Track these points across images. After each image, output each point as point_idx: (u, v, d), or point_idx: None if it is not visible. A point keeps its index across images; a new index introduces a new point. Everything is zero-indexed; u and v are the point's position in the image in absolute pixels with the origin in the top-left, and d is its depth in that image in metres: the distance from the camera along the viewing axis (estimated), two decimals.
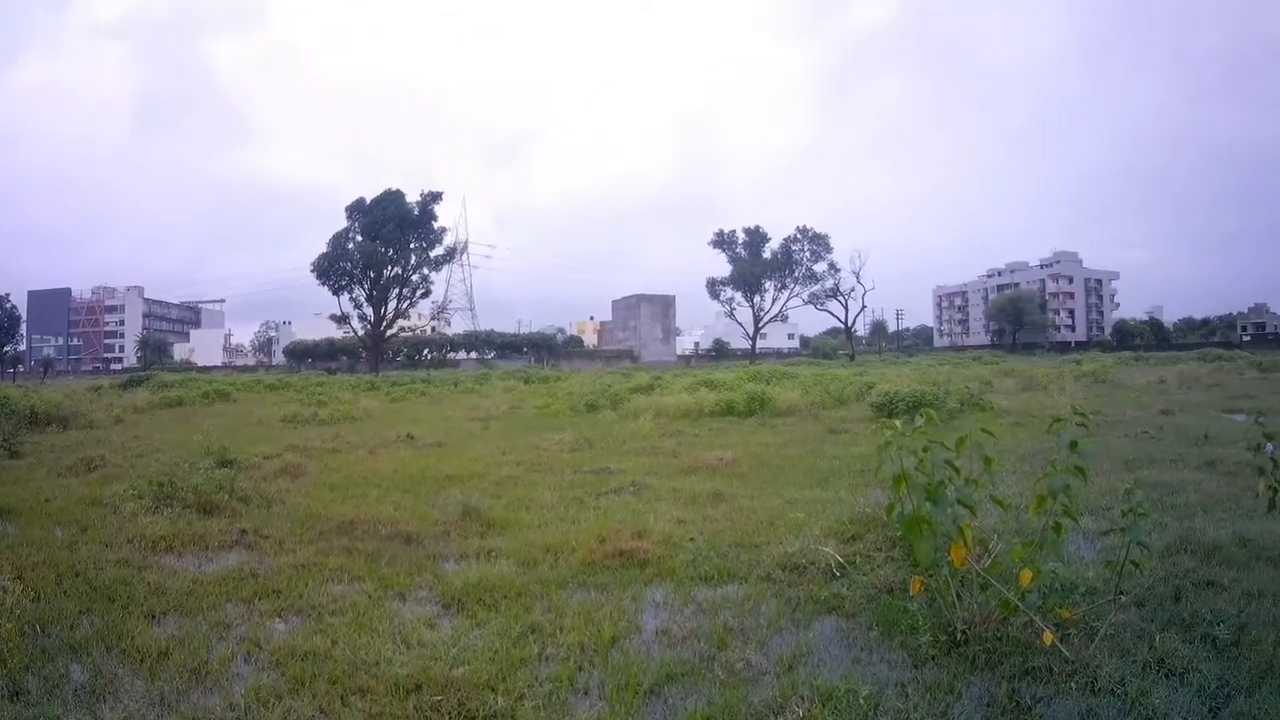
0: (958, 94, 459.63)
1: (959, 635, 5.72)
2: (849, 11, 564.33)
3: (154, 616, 6.86)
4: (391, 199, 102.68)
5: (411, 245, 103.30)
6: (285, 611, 7.03)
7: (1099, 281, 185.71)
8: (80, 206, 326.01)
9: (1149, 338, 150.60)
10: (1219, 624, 6.02)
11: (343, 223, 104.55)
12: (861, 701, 4.93)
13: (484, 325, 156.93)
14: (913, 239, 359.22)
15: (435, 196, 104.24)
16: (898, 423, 5.83)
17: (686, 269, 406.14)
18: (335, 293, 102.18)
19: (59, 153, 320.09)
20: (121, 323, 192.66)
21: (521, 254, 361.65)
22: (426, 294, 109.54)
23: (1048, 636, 5.25)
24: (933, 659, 5.60)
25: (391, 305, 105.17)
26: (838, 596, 6.97)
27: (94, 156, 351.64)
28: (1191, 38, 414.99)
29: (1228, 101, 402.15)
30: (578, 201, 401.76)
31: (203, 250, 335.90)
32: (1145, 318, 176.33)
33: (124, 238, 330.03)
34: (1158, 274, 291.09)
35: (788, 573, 7.71)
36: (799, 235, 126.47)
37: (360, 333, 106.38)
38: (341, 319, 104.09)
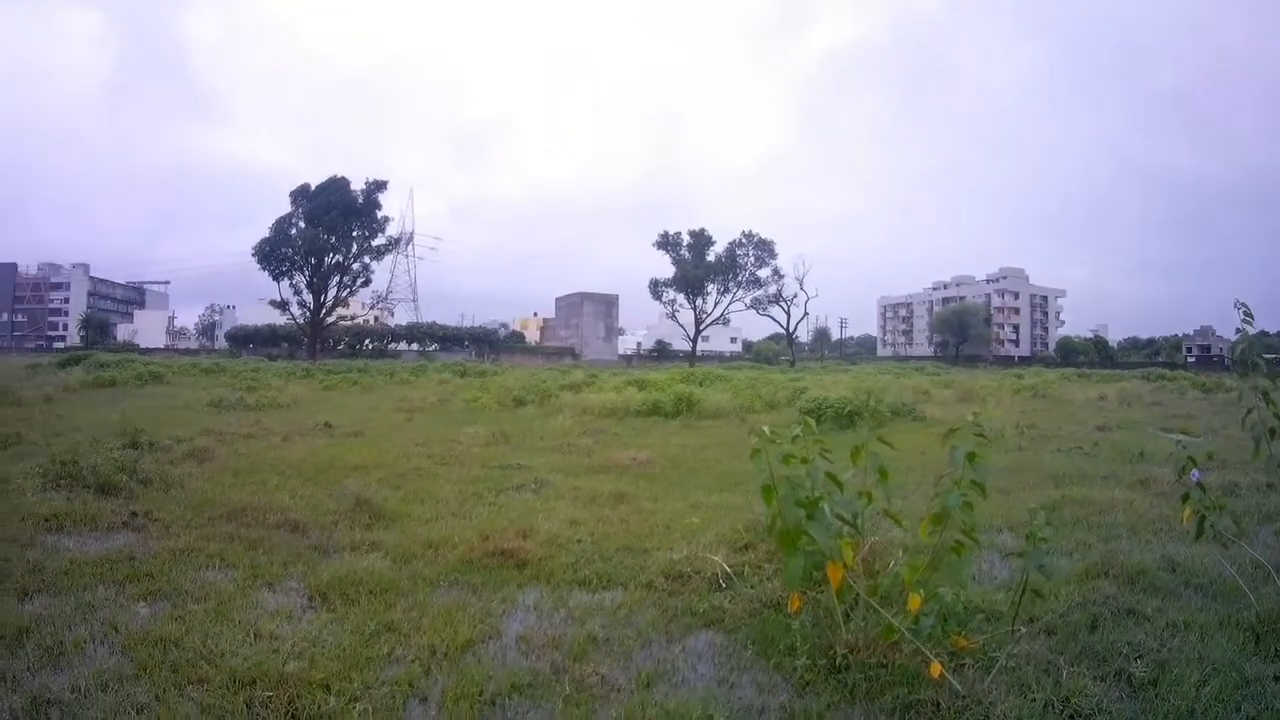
0: (917, 113, 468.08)
1: (839, 660, 5.23)
2: (821, 29, 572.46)
3: (26, 594, 6.82)
4: (336, 186, 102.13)
5: (354, 233, 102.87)
6: (152, 595, 6.85)
7: (1044, 298, 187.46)
8: (29, 181, 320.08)
9: (1093, 355, 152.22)
10: (1137, 659, 5.46)
11: (288, 208, 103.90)
12: None
13: (434, 318, 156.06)
14: (862, 250, 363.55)
15: (380, 185, 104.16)
16: (766, 429, 5.31)
17: (637, 269, 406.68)
18: (276, 278, 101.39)
19: (8, 126, 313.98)
20: (66, 300, 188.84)
21: (476, 248, 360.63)
22: (367, 283, 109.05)
23: (935, 667, 4.73)
24: (808, 685, 5.14)
25: (331, 293, 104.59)
26: (718, 609, 6.53)
27: (46, 131, 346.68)
28: (1145, 73, 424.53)
29: (1177, 135, 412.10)
30: (536, 199, 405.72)
31: (153, 230, 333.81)
32: (1090, 336, 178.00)
33: (73, 214, 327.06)
34: (1104, 294, 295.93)
35: (671, 581, 7.29)
36: (744, 240, 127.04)
37: (300, 320, 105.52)
38: (281, 305, 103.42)
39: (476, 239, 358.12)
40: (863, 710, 4.85)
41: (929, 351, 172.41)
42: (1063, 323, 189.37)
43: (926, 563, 5.14)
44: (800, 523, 4.95)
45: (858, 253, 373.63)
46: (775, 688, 5.22)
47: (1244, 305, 6.54)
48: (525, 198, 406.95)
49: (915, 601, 4.95)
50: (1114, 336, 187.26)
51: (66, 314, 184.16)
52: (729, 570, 7.25)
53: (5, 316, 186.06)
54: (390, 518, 10.01)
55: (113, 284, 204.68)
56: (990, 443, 5.69)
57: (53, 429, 17.77)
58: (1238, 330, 6.67)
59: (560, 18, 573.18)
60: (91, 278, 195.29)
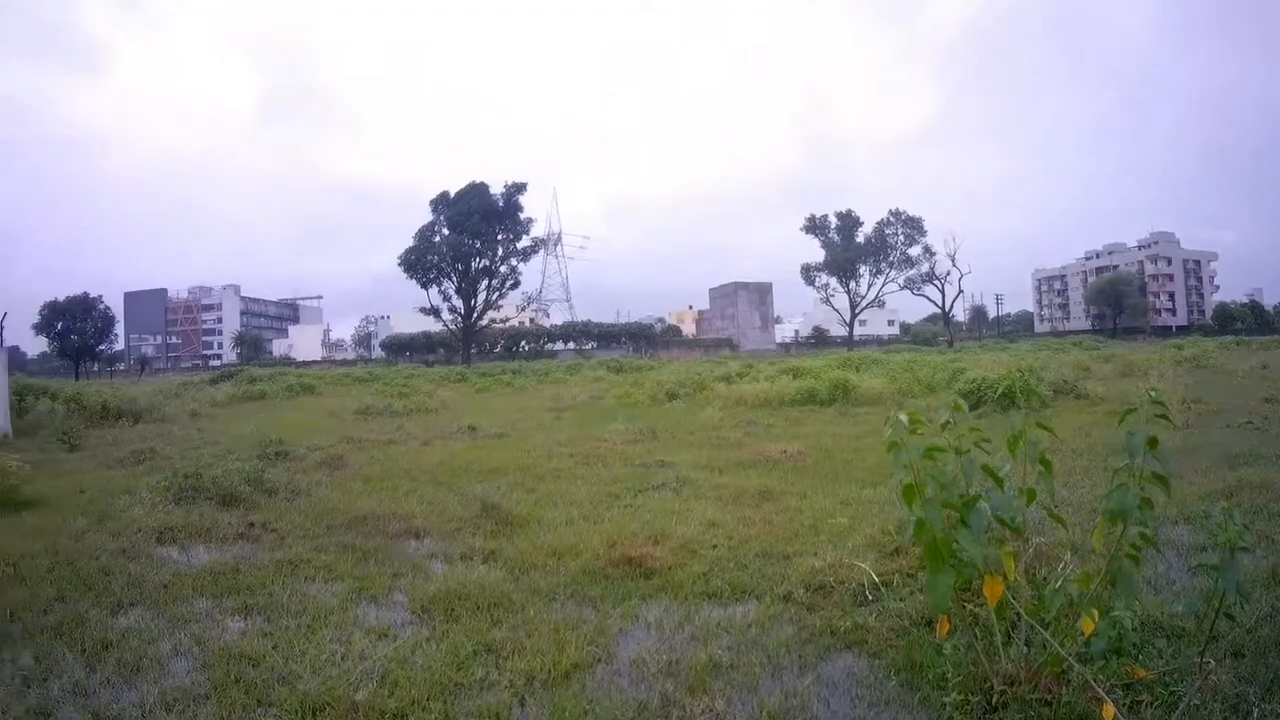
0: (1058, 75, 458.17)
1: (996, 697, 4.41)
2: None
3: (120, 607, 6.84)
4: (475, 191, 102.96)
5: (498, 236, 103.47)
6: (248, 610, 6.74)
7: (1197, 263, 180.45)
8: (182, 209, 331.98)
9: (1250, 321, 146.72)
10: None
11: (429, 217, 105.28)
12: None
13: (589, 316, 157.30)
14: (1014, 221, 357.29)
15: (519, 188, 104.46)
16: (903, 415, 4.34)
17: (791, 256, 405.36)
18: (424, 286, 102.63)
19: (161, 156, 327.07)
20: (219, 320, 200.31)
21: (630, 245, 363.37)
22: (516, 284, 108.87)
23: (1107, 710, 3.84)
24: None
25: (481, 296, 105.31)
26: (861, 628, 5.77)
27: (193, 161, 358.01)
28: None
29: None
30: (687, 193, 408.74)
31: (302, 248, 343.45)
32: (1246, 301, 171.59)
33: (225, 240, 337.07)
34: (1255, 256, 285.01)
35: (811, 593, 6.57)
36: (892, 218, 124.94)
37: (452, 325, 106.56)
38: (433, 311, 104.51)
39: (630, 237, 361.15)
40: None
41: (1086, 324, 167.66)
42: (1217, 287, 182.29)
43: (1100, 575, 4.29)
44: (949, 531, 4.13)
45: (1010, 224, 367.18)
46: None
47: None
48: (676, 192, 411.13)
49: (1089, 625, 4.12)
50: (1269, 300, 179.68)
51: (220, 333, 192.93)
52: (876, 579, 6.53)
53: (160, 339, 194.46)
54: (518, 523, 9.62)
55: (265, 302, 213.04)
56: (1169, 424, 4.76)
57: (190, 443, 18.28)
58: None
59: (698, 7, 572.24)
60: (243, 297, 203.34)
